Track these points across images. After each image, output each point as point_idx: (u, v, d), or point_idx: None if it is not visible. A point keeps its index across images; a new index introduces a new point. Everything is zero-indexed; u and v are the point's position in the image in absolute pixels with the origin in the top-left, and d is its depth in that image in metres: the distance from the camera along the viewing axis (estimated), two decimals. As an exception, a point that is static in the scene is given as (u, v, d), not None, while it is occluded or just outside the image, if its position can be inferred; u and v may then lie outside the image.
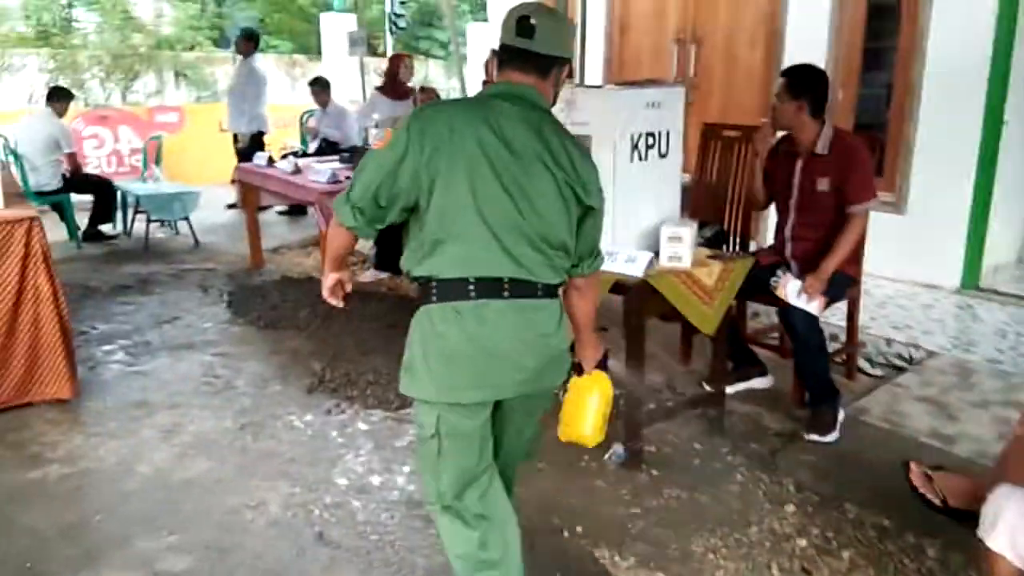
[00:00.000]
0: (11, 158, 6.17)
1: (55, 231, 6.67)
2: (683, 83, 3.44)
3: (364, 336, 4.38)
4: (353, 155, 5.67)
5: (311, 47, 15.78)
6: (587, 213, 1.85)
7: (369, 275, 5.58)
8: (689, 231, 2.88)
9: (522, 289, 1.76)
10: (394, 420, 3.34)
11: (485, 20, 9.58)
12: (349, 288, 2.04)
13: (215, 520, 2.61)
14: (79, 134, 8.63)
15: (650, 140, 2.93)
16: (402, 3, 11.20)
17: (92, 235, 6.71)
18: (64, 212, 6.44)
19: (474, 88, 6.18)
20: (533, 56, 1.83)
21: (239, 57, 7.65)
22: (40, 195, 6.33)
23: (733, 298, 3.06)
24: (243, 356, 4.10)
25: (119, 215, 6.92)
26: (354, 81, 8.97)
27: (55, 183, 6.36)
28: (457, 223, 1.74)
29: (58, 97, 6.55)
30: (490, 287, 1.75)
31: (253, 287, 5.33)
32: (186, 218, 6.64)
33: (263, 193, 5.67)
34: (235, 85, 7.58)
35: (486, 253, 1.74)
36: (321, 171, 5.02)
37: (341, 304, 2.04)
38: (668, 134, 2.99)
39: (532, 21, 1.81)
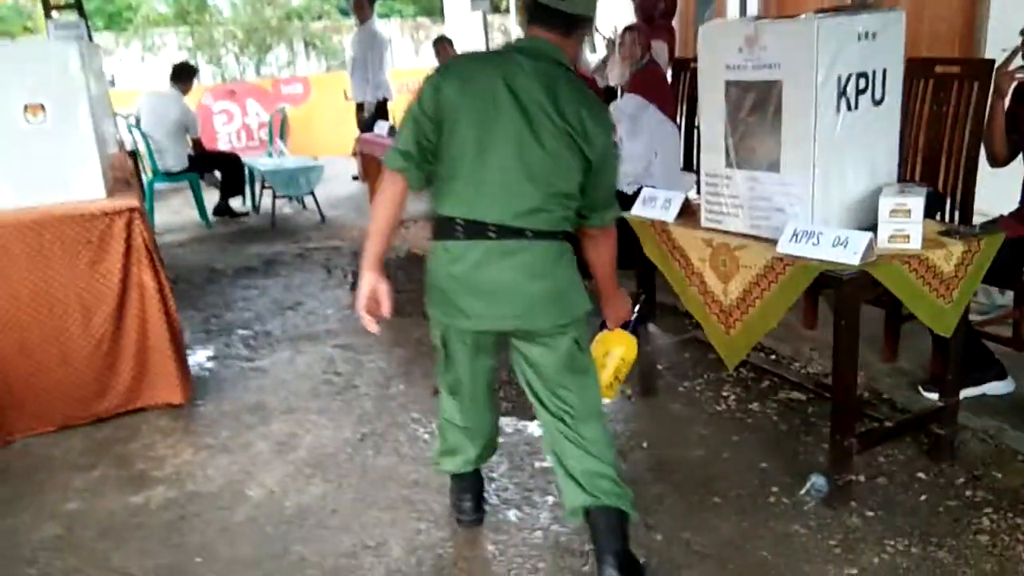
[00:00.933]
0: (137, 135, 6.10)
1: (185, 212, 6.66)
2: (898, 7, 2.63)
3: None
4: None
5: (434, 9, 15.42)
6: (593, 166, 1.88)
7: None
8: (918, 201, 2.16)
9: (510, 233, 1.85)
10: (533, 430, 2.84)
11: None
12: (387, 307, 1.95)
13: (328, 567, 2.21)
14: (208, 110, 8.61)
15: (862, 83, 2.21)
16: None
17: (222, 209, 6.61)
18: (194, 191, 6.34)
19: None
20: (560, 15, 1.88)
21: (358, 23, 7.28)
22: (168, 175, 6.26)
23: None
24: (365, 348, 3.72)
25: (247, 191, 6.78)
26: (478, 39, 8.46)
27: (182, 164, 6.24)
28: (460, 167, 1.85)
29: (182, 76, 6.41)
30: (477, 228, 1.85)
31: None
32: (311, 193, 6.39)
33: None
34: (356, 52, 7.22)
35: (480, 197, 1.85)
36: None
37: (375, 329, 1.97)
38: (884, 74, 2.27)
39: None
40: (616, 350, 2.20)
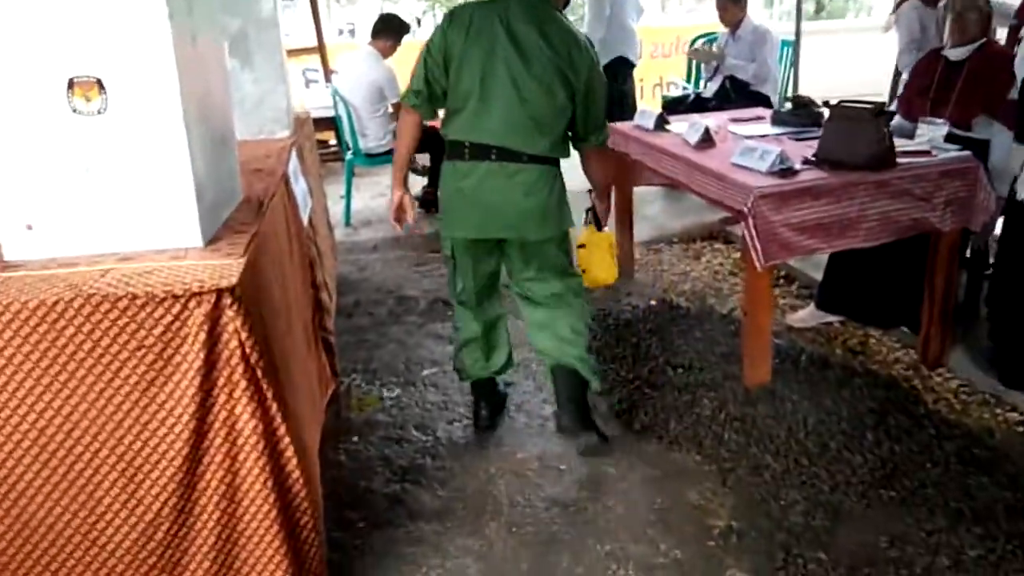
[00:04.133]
0: (343, 112, 4.92)
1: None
2: None
3: (815, 448, 2.25)
4: (806, 113, 3.36)
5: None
6: (580, 93, 2.24)
7: (807, 315, 3.34)
8: None
9: (509, 155, 2.23)
10: None
11: None
12: (412, 214, 2.53)
13: None
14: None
15: None
16: None
17: (428, 202, 5.32)
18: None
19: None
20: None
21: None
22: (369, 157, 5.04)
23: None
24: (597, 484, 2.20)
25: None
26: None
27: (386, 142, 4.99)
28: (467, 99, 2.22)
29: (383, 31, 5.02)
30: (481, 150, 2.25)
31: (618, 321, 3.41)
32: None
33: (643, 169, 3.65)
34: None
35: (484, 123, 2.23)
36: (755, 150, 2.81)
37: (401, 231, 2.61)
38: None
39: None
40: (610, 245, 2.85)
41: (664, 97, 6.19)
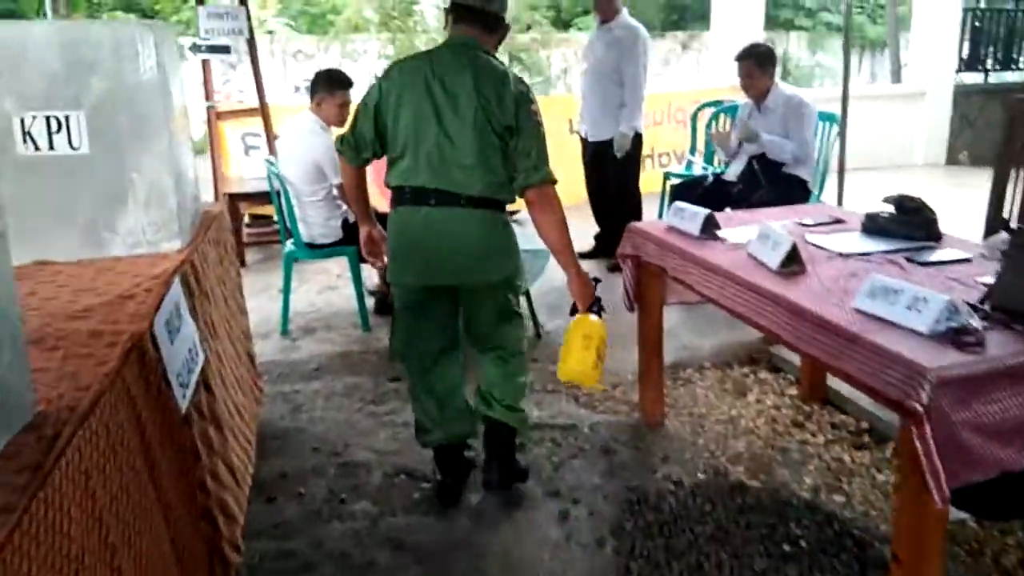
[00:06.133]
0: (282, 192, 3.89)
1: (337, 298, 4.34)
2: None
3: None
4: (918, 222, 2.42)
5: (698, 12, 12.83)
6: (512, 128, 2.22)
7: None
8: None
9: (447, 199, 2.23)
10: None
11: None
12: (383, 248, 2.52)
13: None
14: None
15: None
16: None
17: (387, 305, 4.27)
18: (353, 275, 4.02)
19: None
20: (481, 13, 2.28)
21: (599, 19, 4.73)
22: (313, 248, 3.99)
23: None
24: None
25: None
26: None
27: (330, 232, 3.95)
28: (404, 146, 2.24)
29: (323, 89, 3.89)
30: (420, 195, 2.24)
31: (657, 512, 2.37)
32: (526, 292, 3.90)
33: (674, 282, 2.66)
34: (595, 62, 4.71)
35: (420, 168, 2.23)
36: (898, 293, 1.81)
37: (381, 267, 2.75)
38: None
39: None
40: (595, 333, 2.32)
41: (668, 175, 5.26)
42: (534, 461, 2.69)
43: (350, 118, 2.36)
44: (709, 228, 2.58)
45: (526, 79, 8.81)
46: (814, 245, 2.43)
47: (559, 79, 15.62)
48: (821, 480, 2.58)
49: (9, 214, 1.98)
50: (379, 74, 2.30)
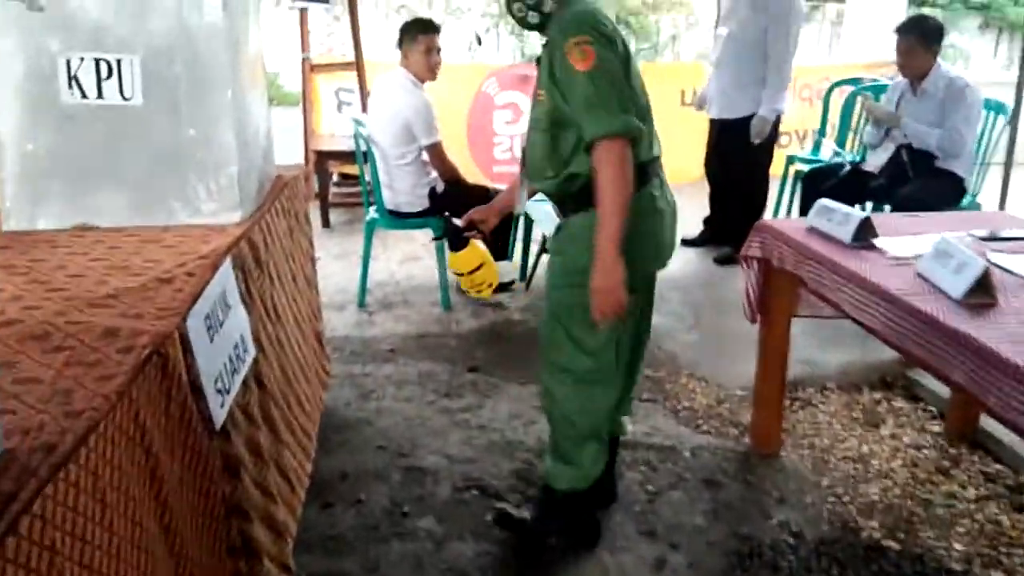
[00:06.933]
0: (366, 154, 3.59)
1: (422, 272, 4.04)
2: None
3: None
4: None
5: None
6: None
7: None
8: None
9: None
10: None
11: None
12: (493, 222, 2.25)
13: None
14: (490, 101, 5.98)
15: None
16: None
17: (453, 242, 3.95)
18: (437, 250, 3.71)
19: None
20: None
21: None
22: (396, 217, 3.69)
23: None
24: None
25: (516, 245, 4.05)
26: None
27: (416, 201, 3.64)
28: (644, 109, 1.87)
29: (408, 37, 3.57)
30: (658, 167, 1.96)
31: (773, 569, 1.98)
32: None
33: (811, 295, 2.22)
34: (736, 28, 4.17)
35: (653, 138, 1.92)
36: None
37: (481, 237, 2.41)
38: None
39: None
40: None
41: (792, 158, 4.71)
42: (626, 488, 2.33)
43: (617, 98, 1.75)
44: (864, 235, 2.12)
45: (632, 46, 8.26)
46: (1000, 267, 1.95)
47: (666, 46, 14.90)
48: (974, 548, 2.13)
49: (50, 170, 1.74)
50: (602, 22, 1.76)
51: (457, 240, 2.71)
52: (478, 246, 2.93)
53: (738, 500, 2.30)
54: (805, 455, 2.56)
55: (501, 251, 3.80)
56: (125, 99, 1.73)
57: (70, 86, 1.70)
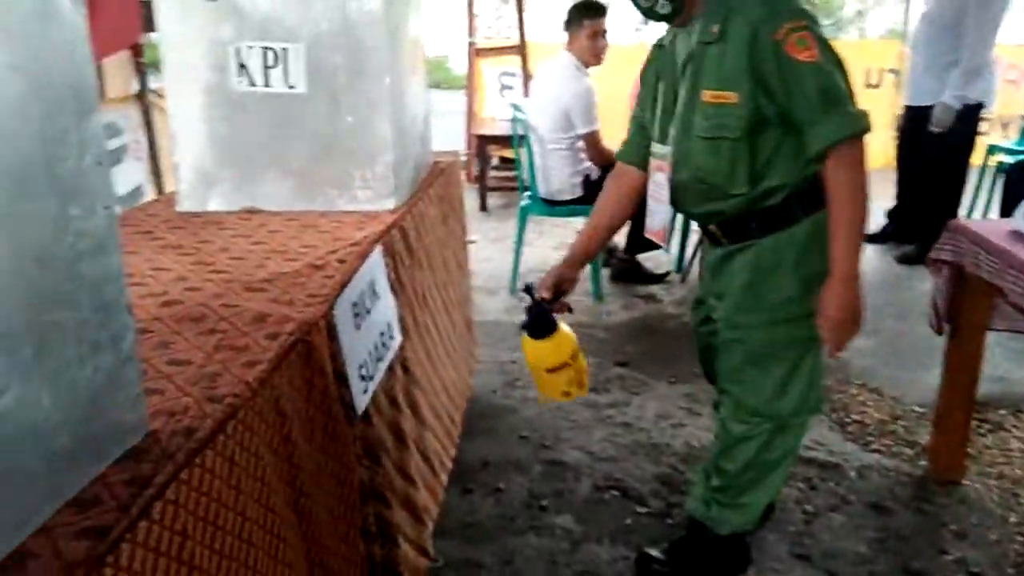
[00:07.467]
0: (526, 140, 3.57)
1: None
2: None
3: None
4: None
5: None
6: None
7: None
8: None
9: None
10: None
11: None
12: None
13: None
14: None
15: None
16: None
17: (625, 271, 3.86)
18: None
19: None
20: None
21: None
22: (550, 204, 3.65)
23: None
24: None
25: (672, 236, 3.90)
26: None
27: (570, 188, 3.57)
28: None
29: (573, 21, 3.51)
30: None
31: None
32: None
33: (1009, 307, 1.95)
34: (936, 4, 3.77)
35: None
36: None
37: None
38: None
39: None
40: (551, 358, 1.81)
41: (993, 148, 4.21)
42: (781, 505, 2.16)
43: (837, 83, 1.52)
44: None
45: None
46: None
47: (851, 22, 13.91)
48: None
49: (221, 155, 1.82)
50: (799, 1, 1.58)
51: (545, 323, 1.78)
52: (566, 329, 1.83)
53: (909, 530, 2.08)
54: (992, 485, 2.27)
55: (644, 243, 3.64)
56: (290, 87, 1.79)
57: (239, 74, 1.78)
